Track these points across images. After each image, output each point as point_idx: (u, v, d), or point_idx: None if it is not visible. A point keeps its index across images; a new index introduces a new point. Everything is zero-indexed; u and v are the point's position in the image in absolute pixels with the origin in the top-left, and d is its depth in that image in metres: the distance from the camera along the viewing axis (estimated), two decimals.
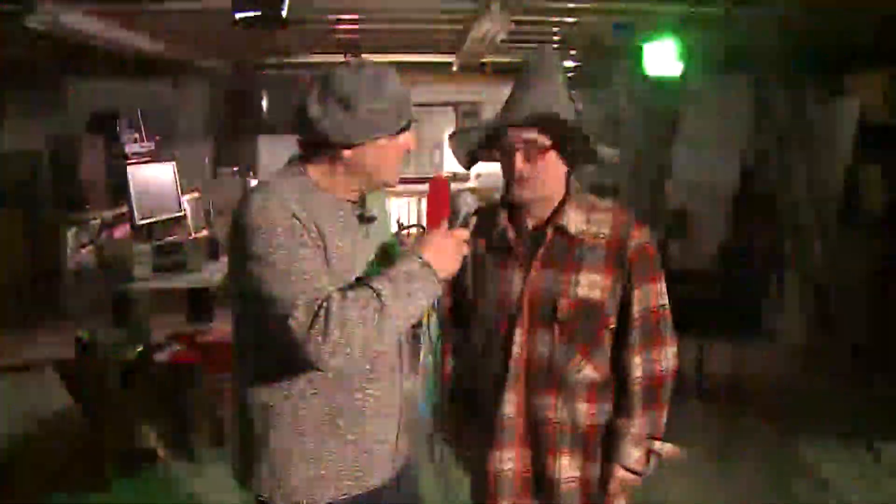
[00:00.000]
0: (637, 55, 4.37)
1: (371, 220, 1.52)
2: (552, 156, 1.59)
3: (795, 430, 3.63)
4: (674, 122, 6.64)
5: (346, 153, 1.42)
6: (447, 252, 1.43)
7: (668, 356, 1.64)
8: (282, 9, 3.08)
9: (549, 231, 1.62)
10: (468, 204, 1.51)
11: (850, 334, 4.66)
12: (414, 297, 1.37)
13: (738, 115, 6.24)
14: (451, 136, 1.71)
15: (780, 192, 5.34)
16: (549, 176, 1.61)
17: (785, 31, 4.65)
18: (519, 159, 1.58)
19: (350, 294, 1.33)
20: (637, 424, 1.64)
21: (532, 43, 5.81)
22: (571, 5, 4.08)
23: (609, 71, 6.67)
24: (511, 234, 1.67)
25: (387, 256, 1.53)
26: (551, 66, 1.66)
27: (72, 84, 7.19)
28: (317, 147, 1.46)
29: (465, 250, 1.48)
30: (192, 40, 5.51)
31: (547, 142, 1.58)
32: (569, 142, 1.59)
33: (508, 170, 1.61)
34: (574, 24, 4.66)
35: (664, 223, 6.25)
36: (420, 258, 1.40)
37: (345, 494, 1.49)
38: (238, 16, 3.15)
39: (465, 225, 1.50)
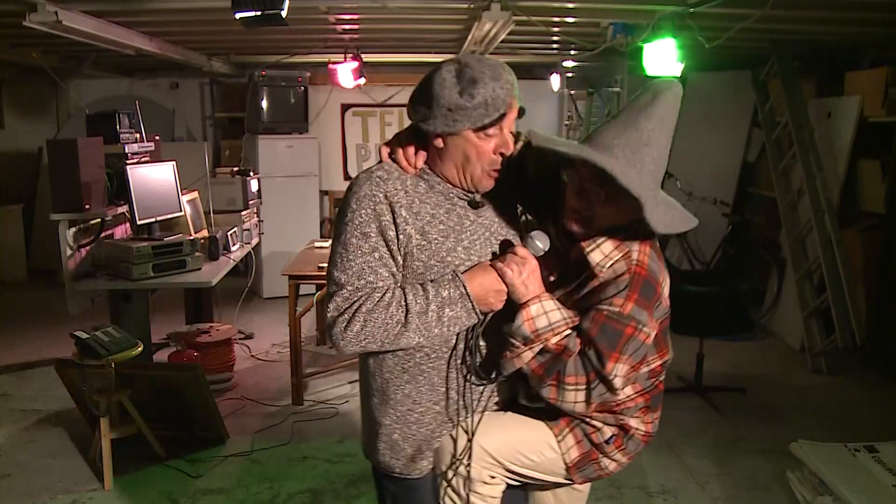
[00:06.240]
0: (637, 55, 4.36)
1: (478, 205, 1.63)
2: (609, 205, 1.50)
3: (794, 428, 3.63)
4: None
5: (436, 141, 1.56)
6: (492, 290, 1.54)
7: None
8: (282, 9, 3.08)
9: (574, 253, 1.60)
10: (537, 248, 1.56)
11: (850, 334, 4.66)
12: (443, 323, 1.52)
13: (739, 114, 6.25)
14: (530, 133, 1.65)
15: (780, 190, 5.33)
16: (598, 223, 1.54)
17: (785, 31, 4.66)
18: (573, 194, 1.55)
19: (387, 298, 1.51)
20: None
21: (532, 43, 5.81)
22: (571, 5, 4.08)
23: (609, 71, 6.66)
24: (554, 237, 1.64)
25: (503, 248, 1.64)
26: (657, 110, 1.48)
27: (72, 84, 7.21)
28: (422, 134, 1.60)
29: (518, 294, 1.53)
30: (192, 40, 5.52)
31: (602, 189, 1.49)
32: (630, 197, 1.45)
33: (567, 197, 1.57)
34: (574, 24, 4.66)
35: None
36: (464, 287, 1.52)
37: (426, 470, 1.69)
38: (238, 16, 3.15)
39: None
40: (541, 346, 1.52)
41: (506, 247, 1.61)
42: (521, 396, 1.70)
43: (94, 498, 3.13)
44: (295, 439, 3.69)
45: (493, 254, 1.62)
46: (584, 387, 1.51)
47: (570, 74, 6.99)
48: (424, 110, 1.53)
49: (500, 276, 1.53)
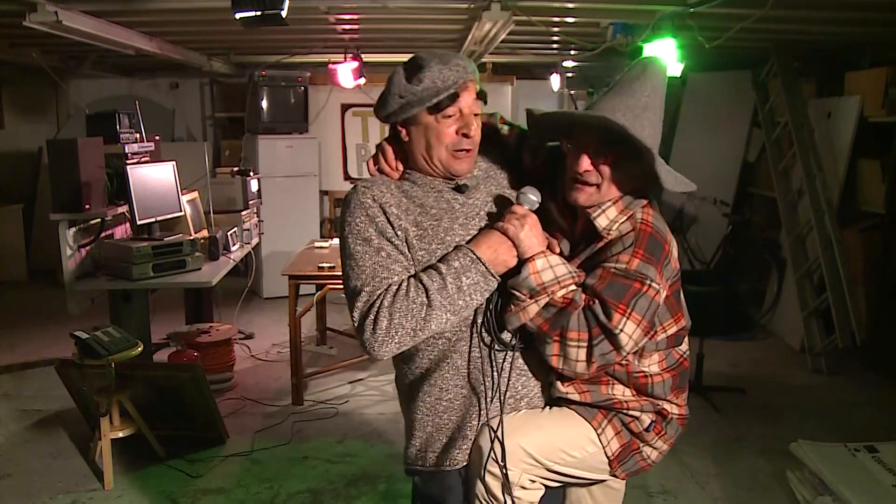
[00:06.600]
0: (637, 55, 4.36)
1: (464, 188, 1.66)
2: (616, 169, 1.55)
3: (794, 428, 3.63)
4: (673, 122, 6.65)
5: (402, 134, 1.63)
6: (502, 247, 1.55)
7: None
8: (282, 9, 3.08)
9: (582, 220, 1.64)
10: (531, 201, 1.59)
11: (850, 334, 4.66)
12: (463, 292, 1.53)
13: (739, 114, 6.25)
14: (527, 112, 1.69)
15: (780, 190, 5.33)
16: (606, 189, 1.57)
17: (785, 31, 4.66)
18: (578, 160, 1.56)
19: (403, 287, 1.52)
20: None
21: (532, 43, 5.82)
22: (571, 5, 4.08)
23: (609, 71, 6.67)
24: (556, 212, 1.70)
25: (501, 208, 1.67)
26: (649, 80, 1.54)
27: (72, 84, 7.21)
28: (398, 138, 1.66)
29: (524, 247, 1.55)
30: (192, 40, 5.51)
31: (609, 152, 1.54)
32: (635, 161, 1.52)
33: (569, 168, 1.59)
34: (574, 24, 4.66)
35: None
36: (472, 252, 1.54)
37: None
38: (238, 16, 3.15)
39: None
40: (546, 299, 1.53)
41: (501, 210, 1.64)
42: (556, 387, 1.68)
43: (94, 498, 3.13)
44: (295, 439, 3.69)
45: (490, 214, 1.66)
46: (585, 343, 1.51)
47: (570, 74, 7.00)
48: (384, 104, 1.61)
49: (503, 234, 1.56)
